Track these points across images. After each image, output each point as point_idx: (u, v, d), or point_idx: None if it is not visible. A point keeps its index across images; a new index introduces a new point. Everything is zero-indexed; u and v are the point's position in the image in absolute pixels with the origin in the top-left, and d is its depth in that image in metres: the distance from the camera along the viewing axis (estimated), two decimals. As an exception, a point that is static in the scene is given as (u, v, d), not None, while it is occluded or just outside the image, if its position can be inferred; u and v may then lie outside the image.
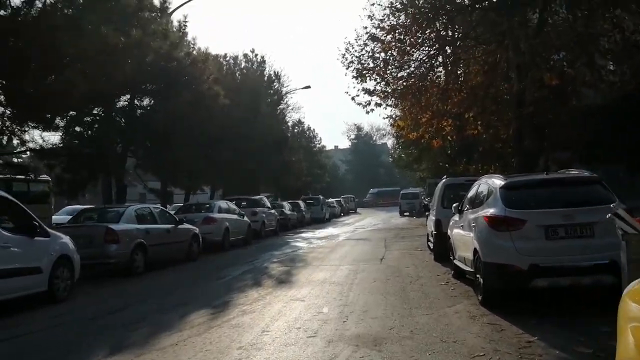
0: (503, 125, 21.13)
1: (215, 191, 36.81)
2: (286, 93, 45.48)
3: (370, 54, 19.53)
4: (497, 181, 9.00)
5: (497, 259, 8.10)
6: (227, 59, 36.58)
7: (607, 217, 5.69)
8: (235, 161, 28.60)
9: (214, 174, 28.22)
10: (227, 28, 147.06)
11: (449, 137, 22.85)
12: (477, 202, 9.78)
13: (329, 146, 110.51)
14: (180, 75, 21.98)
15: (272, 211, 28.95)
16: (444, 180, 15.18)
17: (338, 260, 15.76)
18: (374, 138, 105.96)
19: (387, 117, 32.48)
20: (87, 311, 9.82)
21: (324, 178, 62.18)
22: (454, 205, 11.51)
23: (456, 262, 11.17)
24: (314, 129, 61.89)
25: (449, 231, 12.26)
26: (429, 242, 17.22)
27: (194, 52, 23.96)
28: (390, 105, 22.73)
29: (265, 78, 41.52)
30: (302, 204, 40.15)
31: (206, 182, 30.23)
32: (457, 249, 11.13)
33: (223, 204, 21.76)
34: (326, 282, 11.67)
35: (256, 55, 40.44)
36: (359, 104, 19.41)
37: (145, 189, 24.68)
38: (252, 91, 33.83)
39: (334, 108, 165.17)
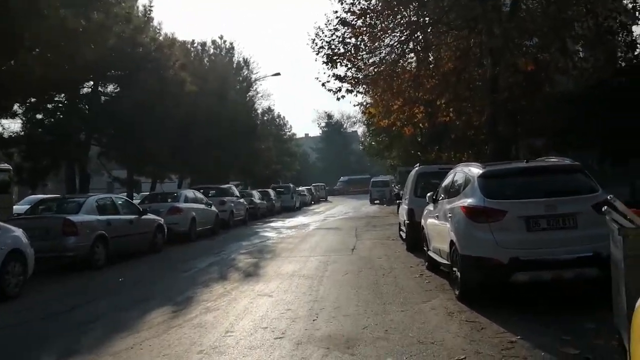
0: (475, 112, 20.83)
1: (184, 180, 36.01)
2: (255, 80, 44.75)
3: (341, 39, 18.95)
4: (475, 169, 8.57)
5: (476, 252, 7.68)
6: (195, 45, 35.67)
7: (603, 209, 5.24)
8: (203, 149, 27.86)
9: (182, 163, 27.42)
10: (205, 23, 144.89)
11: (420, 125, 22.42)
12: (453, 191, 9.35)
13: (300, 134, 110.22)
14: (145, 61, 21.22)
15: (241, 200, 28.32)
16: (416, 169, 14.75)
17: (308, 251, 15.27)
18: (345, 126, 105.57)
19: (358, 105, 31.95)
20: (38, 310, 9.17)
21: (294, 166, 61.63)
22: (428, 194, 11.08)
23: (430, 253, 10.76)
24: (284, 117, 61.39)
25: (422, 221, 11.84)
26: (401, 232, 16.84)
27: (160, 37, 23.13)
28: (361, 93, 22.28)
29: (234, 65, 40.78)
30: (272, 192, 39.54)
31: (173, 171, 29.39)
32: (431, 239, 10.72)
33: (190, 193, 21.07)
34: (295, 275, 11.16)
35: (225, 41, 39.71)
36: (330, 90, 18.87)
37: (110, 178, 23.78)
38: (220, 78, 33.05)
39: (306, 97, 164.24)
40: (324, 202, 59.39)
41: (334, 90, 18.84)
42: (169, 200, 19.90)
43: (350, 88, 19.01)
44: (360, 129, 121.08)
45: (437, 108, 21.97)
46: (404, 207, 15.38)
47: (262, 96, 51.91)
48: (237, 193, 28.45)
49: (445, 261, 9.26)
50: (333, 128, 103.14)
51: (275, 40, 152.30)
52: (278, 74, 45.43)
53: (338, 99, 18.90)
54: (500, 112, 17.30)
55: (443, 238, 9.20)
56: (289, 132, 62.16)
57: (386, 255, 13.82)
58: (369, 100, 29.72)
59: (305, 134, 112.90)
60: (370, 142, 44.93)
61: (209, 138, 28.25)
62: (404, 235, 15.59)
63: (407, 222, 14.34)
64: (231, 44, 40.37)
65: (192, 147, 26.88)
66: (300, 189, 53.02)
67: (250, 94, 43.22)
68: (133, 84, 20.69)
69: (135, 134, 20.44)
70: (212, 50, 38.51)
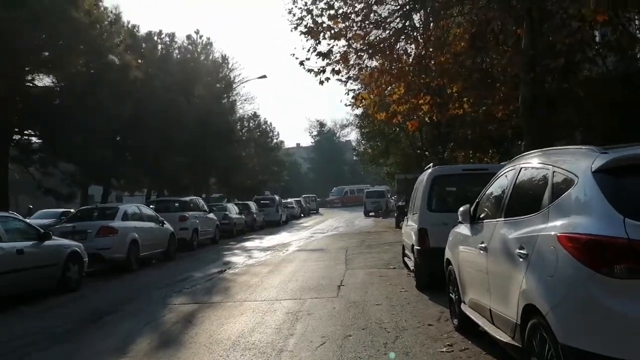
0: (499, 102, 16.54)
1: (152, 192, 31.46)
2: (237, 81, 40.37)
3: (326, 4, 14.56)
4: (584, 158, 4.07)
5: (608, 349, 3.23)
6: (162, 36, 31.15)
7: None
8: (164, 153, 23.37)
9: (133, 168, 22.95)
10: (191, 21, 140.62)
11: (427, 119, 17.94)
12: (522, 203, 4.89)
13: (291, 144, 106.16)
14: (76, 39, 16.66)
15: (210, 215, 23.74)
16: (430, 171, 10.18)
17: (275, 290, 10.74)
18: (338, 134, 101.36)
19: (347, 92, 27.30)
20: None
21: (281, 176, 57.04)
22: (462, 210, 6.54)
23: (467, 310, 6.27)
24: (270, 123, 56.68)
25: (448, 252, 7.33)
26: (405, 258, 12.39)
27: (97, 10, 18.56)
28: (351, 78, 17.91)
29: (211, 62, 36.32)
30: (253, 205, 35.01)
31: (122, 177, 24.78)
32: (469, 286, 6.23)
33: (132, 208, 16.48)
34: (238, 348, 6.64)
35: (201, 36, 35.19)
36: (310, 70, 14.45)
37: (40, 188, 18.96)
38: (191, 74, 28.55)
39: (298, 105, 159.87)
40: (314, 215, 54.89)
41: (316, 70, 14.43)
42: (103, 217, 15.29)
43: (336, 68, 14.59)
44: (353, 134, 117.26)
45: (447, 98, 17.63)
46: (411, 226, 10.88)
47: (245, 99, 47.56)
48: (204, 207, 23.86)
49: (506, 338, 4.78)
50: (325, 137, 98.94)
51: (265, 44, 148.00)
52: (264, 76, 41.77)
53: (321, 82, 14.41)
54: (540, 95, 12.91)
55: (502, 292, 4.76)
56: (277, 139, 57.54)
57: (387, 298, 9.31)
58: (360, 86, 25.64)
59: (297, 144, 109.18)
60: (365, 148, 40.46)
61: (172, 140, 23.74)
62: (411, 264, 11.12)
63: (417, 247, 9.84)
64: (208, 39, 36.01)
65: (148, 150, 22.43)
66: (288, 200, 48.59)
67: (230, 96, 38.65)
68: (63, 70, 16.16)
69: (65, 129, 15.95)
70: (186, 45, 34.08)
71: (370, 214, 45.21)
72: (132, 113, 19.99)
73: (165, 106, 23.50)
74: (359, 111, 35.25)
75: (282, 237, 26.72)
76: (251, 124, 52.52)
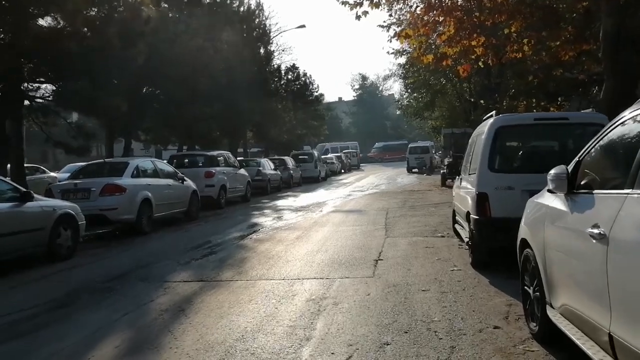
0: (565, 42, 14.22)
1: (184, 147, 29.85)
2: (277, 32, 38.20)
3: None
4: None
5: None
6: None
7: None
8: (187, 104, 21.60)
9: (158, 120, 21.28)
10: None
11: (480, 63, 15.58)
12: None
13: (332, 98, 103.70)
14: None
15: (241, 171, 21.98)
16: (491, 121, 7.95)
17: (299, 265, 8.88)
18: (380, 88, 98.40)
19: (390, 39, 25.11)
20: None
21: (321, 131, 54.92)
22: (556, 172, 4.37)
23: (560, 322, 4.24)
24: (310, 75, 54.31)
25: (525, 231, 5.26)
26: (456, 226, 10.39)
27: None
28: (394, 18, 15.68)
29: (244, 6, 34.12)
30: (289, 160, 33.19)
31: (145, 130, 23.07)
32: (566, 290, 4.18)
33: (146, 163, 14.78)
34: (233, 356, 4.82)
35: (232, -21, 32.92)
36: (345, 3, 12.32)
37: (49, 142, 17.21)
38: (219, 19, 26.44)
39: (340, 58, 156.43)
40: (355, 171, 52.99)
41: (351, 3, 12.29)
42: (112, 173, 13.63)
43: (375, 0, 12.41)
44: (396, 85, 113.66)
45: (504, 39, 15.27)
46: (465, 189, 8.80)
47: (283, 50, 45.25)
48: (235, 162, 22.10)
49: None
50: (367, 91, 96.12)
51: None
52: (303, 26, 39.04)
53: (358, 17, 12.28)
54: (624, 29, 10.54)
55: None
56: (316, 92, 55.19)
57: (436, 280, 7.36)
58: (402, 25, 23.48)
59: (339, 98, 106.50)
60: (409, 100, 37.98)
61: (198, 90, 21.93)
62: (463, 234, 9.12)
63: (474, 216, 7.80)
64: (241, -17, 33.76)
65: (172, 101, 20.70)
66: (327, 156, 46.73)
67: (265, 45, 36.48)
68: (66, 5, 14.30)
69: (70, 74, 14.26)
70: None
71: (414, 170, 43.14)
72: (150, 59, 18.12)
73: (190, 53, 21.60)
74: (402, 60, 32.87)
75: (318, 195, 24.88)
76: (289, 76, 50.36)
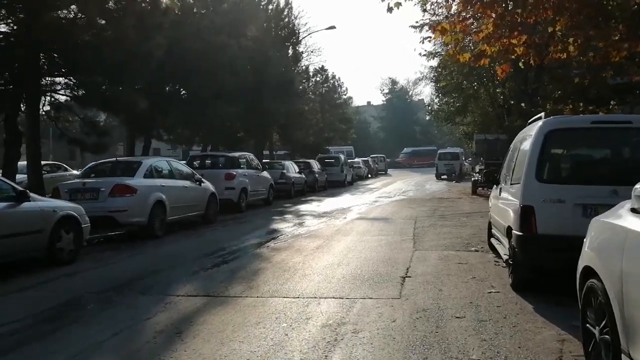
0: (616, 42, 13.10)
1: (207, 146, 29.18)
2: (307, 33, 37.34)
3: None
4: None
5: None
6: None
7: None
8: (210, 102, 20.90)
9: (179, 119, 20.62)
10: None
11: (520, 63, 14.50)
12: None
13: (361, 102, 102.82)
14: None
15: (263, 174, 21.18)
16: (540, 124, 6.91)
17: (317, 279, 7.97)
18: (410, 93, 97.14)
19: (423, 40, 24.09)
20: None
21: (349, 134, 53.99)
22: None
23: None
24: (339, 78, 53.64)
25: (592, 257, 4.27)
26: (492, 240, 9.41)
27: None
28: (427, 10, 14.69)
29: (273, 5, 33.38)
30: (315, 163, 32.34)
31: (167, 129, 22.37)
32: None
33: (161, 163, 14.02)
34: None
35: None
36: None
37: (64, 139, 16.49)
38: (245, 15, 25.74)
39: (370, 62, 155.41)
40: (383, 176, 52.07)
41: (384, -7, 11.35)
42: (123, 173, 12.90)
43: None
44: (427, 89, 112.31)
45: (548, 38, 14.20)
46: (506, 200, 7.82)
47: (312, 51, 44.37)
48: (257, 164, 21.31)
49: None
50: (397, 95, 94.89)
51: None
52: (333, 27, 38.41)
53: (390, 9, 11.33)
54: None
55: None
56: (344, 94, 54.38)
57: (472, 304, 6.40)
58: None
59: (368, 102, 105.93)
60: (440, 104, 36.85)
61: (222, 89, 21.20)
62: (501, 250, 8.14)
63: (516, 232, 6.82)
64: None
65: (194, 99, 20.04)
66: (355, 160, 45.84)
67: (293, 45, 35.69)
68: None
69: (84, 68, 13.60)
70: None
71: (443, 177, 42.15)
72: (172, 54, 17.45)
73: (215, 49, 20.90)
74: (434, 62, 31.77)
75: (343, 200, 23.97)
76: (318, 78, 49.63)
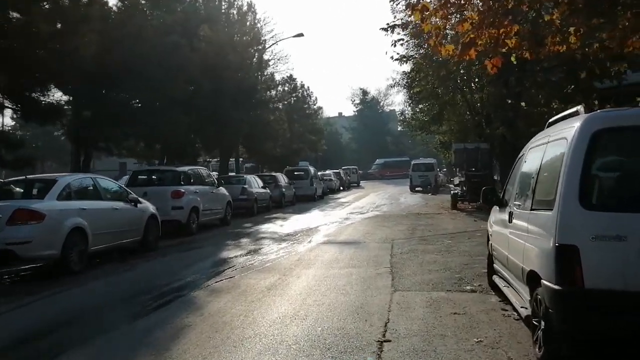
0: (623, 30, 11.03)
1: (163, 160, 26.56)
2: (273, 39, 35.24)
3: None
4: None
5: None
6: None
7: None
8: (158, 111, 18.51)
9: (122, 128, 18.16)
10: None
11: (513, 57, 12.36)
12: None
13: (333, 113, 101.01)
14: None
15: (220, 190, 18.73)
16: (582, 123, 4.39)
17: (259, 346, 5.58)
18: (382, 103, 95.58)
19: (394, 43, 21.96)
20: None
21: (319, 145, 51.77)
22: None
23: None
24: (308, 87, 51.45)
25: None
26: (496, 277, 7.20)
27: None
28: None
29: (235, 9, 31.10)
30: (281, 177, 29.98)
31: (107, 140, 19.69)
32: None
33: (82, 181, 11.52)
34: None
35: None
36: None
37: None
38: (197, 15, 23.37)
39: (341, 73, 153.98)
40: (355, 188, 50.00)
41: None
42: (33, 195, 10.41)
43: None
44: (400, 96, 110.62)
45: (544, 28, 12.13)
46: (525, 233, 5.50)
47: (278, 59, 42.14)
48: (212, 179, 18.84)
49: None
50: (368, 106, 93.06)
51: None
52: (301, 34, 36.04)
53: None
54: None
55: None
56: (314, 104, 52.20)
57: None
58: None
59: (339, 113, 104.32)
60: (413, 112, 34.84)
61: (172, 97, 18.82)
62: (517, 302, 5.88)
63: (551, 285, 4.52)
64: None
65: (142, 107, 17.68)
66: (326, 172, 43.62)
67: (256, 50, 33.37)
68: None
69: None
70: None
71: (417, 189, 40.11)
72: (111, 55, 15.08)
73: (163, 51, 18.51)
74: (407, 67, 29.64)
75: (311, 217, 21.64)
76: (286, 87, 47.42)
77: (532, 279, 5.10)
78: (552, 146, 5.25)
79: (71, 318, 7.18)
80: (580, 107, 5.00)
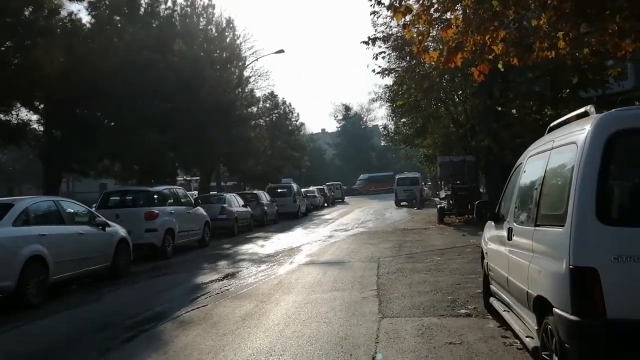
0: (611, 35, 10.53)
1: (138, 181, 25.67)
2: (252, 54, 34.59)
3: None
4: None
5: None
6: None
7: None
8: (130, 129, 17.74)
9: (94, 148, 17.35)
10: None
11: (500, 64, 11.77)
12: None
13: (316, 129, 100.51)
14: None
15: (197, 210, 17.89)
16: (596, 124, 3.68)
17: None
18: (364, 119, 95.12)
19: (376, 56, 21.69)
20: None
21: (302, 162, 51.06)
22: None
23: None
24: (290, 104, 50.78)
25: None
26: (494, 299, 6.54)
27: None
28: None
29: (213, 25, 30.37)
30: (263, 195, 29.19)
31: (76, 161, 18.75)
32: None
33: (43, 204, 10.67)
34: None
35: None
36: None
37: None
38: (173, 28, 22.68)
39: (323, 88, 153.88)
40: (340, 204, 49.35)
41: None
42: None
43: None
44: (382, 111, 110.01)
45: (531, 34, 11.57)
46: (529, 252, 4.83)
47: (259, 75, 41.42)
48: (188, 199, 17.99)
49: None
50: (351, 121, 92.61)
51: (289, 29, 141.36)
52: (281, 51, 35.60)
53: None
54: None
55: None
56: (296, 120, 51.55)
57: None
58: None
59: (322, 129, 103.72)
60: (396, 126, 34.30)
61: (146, 113, 18.07)
62: (521, 330, 5.19)
63: (566, 315, 3.83)
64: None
65: (117, 125, 16.93)
66: (309, 189, 42.94)
67: (235, 67, 32.62)
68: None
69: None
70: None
71: (402, 203, 39.59)
72: (80, 70, 14.35)
73: (136, 67, 17.78)
74: (389, 81, 29.12)
75: (293, 236, 20.87)
76: (267, 104, 46.78)
77: (540, 306, 4.41)
78: (558, 153, 4.58)
79: (19, 360, 6.37)
80: (590, 107, 4.33)
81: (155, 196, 15.58)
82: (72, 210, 11.14)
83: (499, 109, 21.57)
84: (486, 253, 7.07)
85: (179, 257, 15.35)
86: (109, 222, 11.88)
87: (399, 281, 9.81)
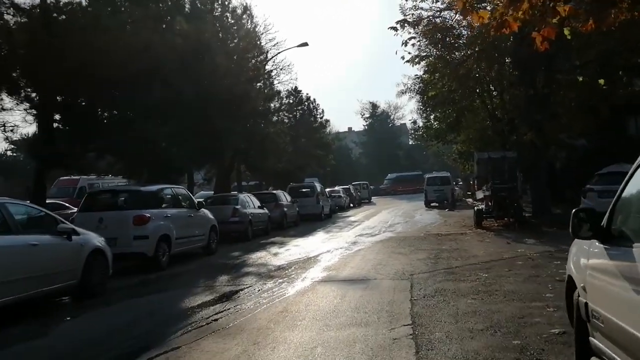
0: None
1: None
2: (277, 50, 32.33)
3: None
4: None
5: None
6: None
7: None
8: (131, 122, 15.62)
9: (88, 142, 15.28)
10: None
11: (567, 30, 9.26)
12: None
13: (343, 128, 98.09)
14: None
15: (202, 213, 15.63)
16: None
17: None
18: (392, 117, 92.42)
19: (405, 42, 19.38)
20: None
21: (327, 160, 48.71)
22: None
23: None
24: (314, 100, 48.38)
25: None
26: (596, 343, 4.03)
27: None
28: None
29: (229, 12, 28.19)
30: (283, 195, 26.91)
31: (68, 155, 16.56)
32: None
33: (10, 207, 8.50)
34: None
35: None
36: None
37: None
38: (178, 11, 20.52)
39: (351, 86, 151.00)
40: (366, 205, 47.15)
41: None
42: None
43: None
44: (411, 105, 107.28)
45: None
46: None
47: (281, 69, 39.12)
48: (191, 200, 15.73)
49: None
50: (378, 120, 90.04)
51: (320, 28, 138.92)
52: (305, 43, 33.20)
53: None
54: None
55: None
56: (321, 117, 49.15)
57: None
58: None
59: (349, 128, 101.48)
60: (427, 121, 31.77)
61: (147, 103, 15.94)
62: None
63: None
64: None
65: (117, 116, 14.87)
66: (334, 188, 40.72)
67: (254, 57, 30.34)
68: None
69: None
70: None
71: (433, 204, 37.17)
72: (74, 57, 12.29)
73: (134, 51, 15.62)
74: (419, 71, 26.60)
75: (313, 242, 18.52)
76: (291, 100, 44.54)
77: None
78: None
79: None
80: None
81: (149, 197, 13.34)
82: (23, 216, 8.90)
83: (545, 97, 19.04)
84: (582, 287, 4.61)
85: (175, 268, 13.10)
86: (78, 230, 9.63)
87: (441, 311, 7.39)
